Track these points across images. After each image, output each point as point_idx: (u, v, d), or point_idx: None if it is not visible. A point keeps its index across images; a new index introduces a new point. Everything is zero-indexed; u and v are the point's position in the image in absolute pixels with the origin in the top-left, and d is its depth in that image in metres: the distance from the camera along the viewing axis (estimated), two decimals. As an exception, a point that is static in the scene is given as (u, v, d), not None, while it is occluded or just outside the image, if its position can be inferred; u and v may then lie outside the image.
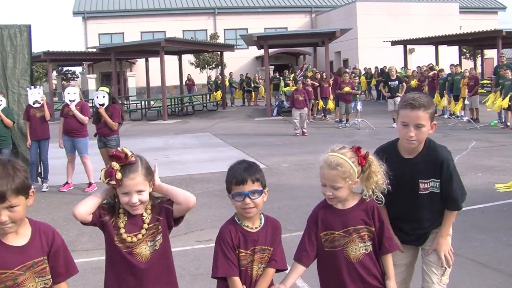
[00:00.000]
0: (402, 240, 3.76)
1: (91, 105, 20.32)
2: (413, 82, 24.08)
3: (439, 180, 3.66)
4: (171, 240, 3.35)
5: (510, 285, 5.41)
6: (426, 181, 3.66)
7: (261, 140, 17.32)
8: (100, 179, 3.12)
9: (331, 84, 22.83)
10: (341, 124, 20.53)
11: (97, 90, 11.11)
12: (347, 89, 19.86)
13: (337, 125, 20.61)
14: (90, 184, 10.84)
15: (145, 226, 3.17)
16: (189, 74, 38.85)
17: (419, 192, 3.67)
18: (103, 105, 10.43)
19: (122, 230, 3.12)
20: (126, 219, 3.15)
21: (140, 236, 3.13)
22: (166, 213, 3.23)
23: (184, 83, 36.57)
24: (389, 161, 3.52)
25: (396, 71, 20.87)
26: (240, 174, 3.13)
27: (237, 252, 3.15)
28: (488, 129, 17.75)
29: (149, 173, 3.17)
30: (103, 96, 10.49)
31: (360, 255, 3.25)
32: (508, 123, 17.62)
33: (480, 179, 10.23)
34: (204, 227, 7.87)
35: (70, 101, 10.63)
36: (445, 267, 3.74)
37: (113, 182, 3.02)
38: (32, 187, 2.78)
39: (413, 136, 3.52)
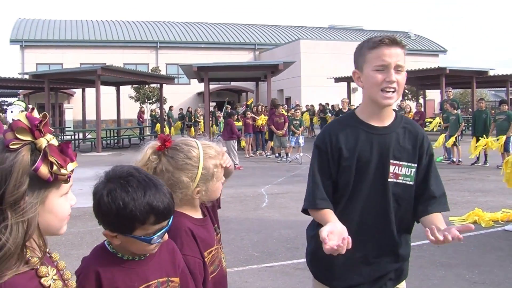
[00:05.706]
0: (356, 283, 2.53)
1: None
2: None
3: (415, 166, 2.51)
4: None
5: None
6: (399, 163, 2.46)
7: (198, 173, 16.11)
8: None
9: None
10: (280, 158, 19.44)
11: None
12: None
13: (277, 160, 19.50)
14: None
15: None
16: (142, 106, 38.46)
17: (388, 180, 2.45)
18: (16, 122, 9.08)
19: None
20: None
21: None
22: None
23: (120, 115, 35.11)
24: (348, 135, 2.48)
25: (348, 103, 20.42)
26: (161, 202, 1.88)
27: None
28: (434, 165, 17.07)
29: None
30: (19, 111, 9.13)
31: None
32: (454, 159, 17.08)
33: (432, 212, 9.38)
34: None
35: (-21, 120, 9.34)
36: None
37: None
38: None
39: (394, 81, 2.39)
